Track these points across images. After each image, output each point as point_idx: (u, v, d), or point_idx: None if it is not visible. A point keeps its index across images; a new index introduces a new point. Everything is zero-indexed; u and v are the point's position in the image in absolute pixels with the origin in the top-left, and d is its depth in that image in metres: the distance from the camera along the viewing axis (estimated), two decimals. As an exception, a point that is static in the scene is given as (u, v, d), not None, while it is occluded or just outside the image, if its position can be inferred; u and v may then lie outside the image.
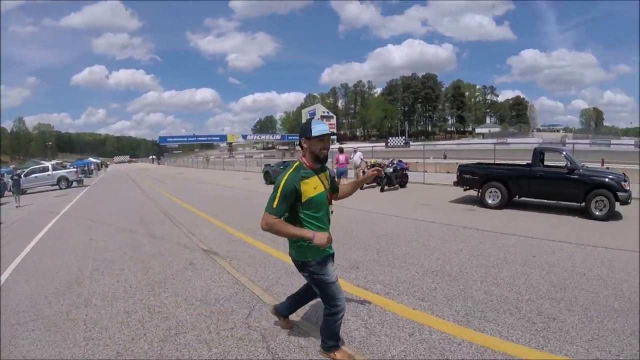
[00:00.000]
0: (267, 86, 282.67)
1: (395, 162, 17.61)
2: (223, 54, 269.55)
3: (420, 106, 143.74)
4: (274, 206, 2.83)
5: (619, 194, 9.50)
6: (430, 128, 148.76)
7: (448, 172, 23.80)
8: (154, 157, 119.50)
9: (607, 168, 15.79)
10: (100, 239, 8.39)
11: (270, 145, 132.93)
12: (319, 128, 2.92)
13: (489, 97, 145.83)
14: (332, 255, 3.20)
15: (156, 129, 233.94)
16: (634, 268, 5.73)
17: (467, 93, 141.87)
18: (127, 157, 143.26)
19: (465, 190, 12.78)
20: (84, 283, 5.53)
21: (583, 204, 9.95)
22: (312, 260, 3.01)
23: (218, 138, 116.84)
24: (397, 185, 17.11)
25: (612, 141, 62.81)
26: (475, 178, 12.13)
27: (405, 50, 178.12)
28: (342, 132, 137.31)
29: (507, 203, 11.33)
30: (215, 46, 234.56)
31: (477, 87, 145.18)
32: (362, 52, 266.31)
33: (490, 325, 3.96)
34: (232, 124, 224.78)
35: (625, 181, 9.79)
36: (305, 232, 2.86)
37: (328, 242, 2.85)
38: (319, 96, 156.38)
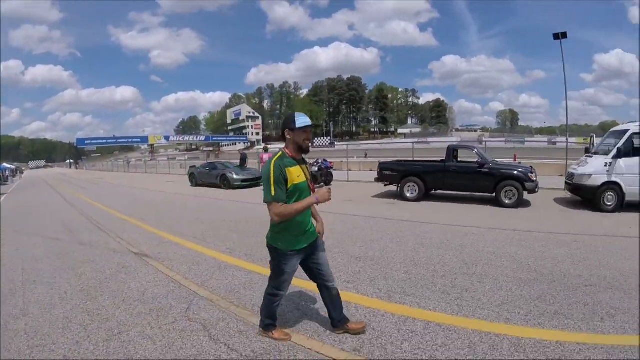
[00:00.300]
0: (191, 85, 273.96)
1: (320, 161, 18.21)
2: (146, 50, 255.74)
3: (345, 107, 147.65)
4: (273, 194, 2.96)
5: (527, 184, 10.88)
6: (354, 129, 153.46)
7: (371, 170, 24.70)
8: (71, 161, 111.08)
9: (519, 162, 17.29)
10: (26, 249, 7.95)
11: (194, 147, 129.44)
12: (303, 120, 3.09)
13: (410, 99, 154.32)
14: (311, 244, 3.39)
15: (73, 131, 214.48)
16: (541, 245, 6.68)
17: (390, 95, 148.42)
18: (43, 162, 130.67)
19: (385, 185, 13.73)
20: (17, 294, 5.28)
21: (494, 194, 11.25)
22: (281, 249, 3.23)
23: (139, 140, 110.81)
24: (322, 184, 17.52)
25: (527, 139, 68.53)
26: (395, 174, 13.08)
27: (331, 53, 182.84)
28: (267, 133, 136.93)
29: (424, 196, 12.45)
30: (138, 42, 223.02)
31: (400, 89, 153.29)
32: (289, 53, 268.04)
33: (410, 298, 4.48)
34: (154, 124, 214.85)
35: (532, 173, 11.14)
36: (309, 200, 3.06)
37: (329, 194, 3.05)
38: (244, 96, 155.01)
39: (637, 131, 10.56)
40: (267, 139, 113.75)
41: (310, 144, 3.21)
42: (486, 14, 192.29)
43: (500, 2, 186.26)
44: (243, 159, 21.13)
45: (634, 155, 10.35)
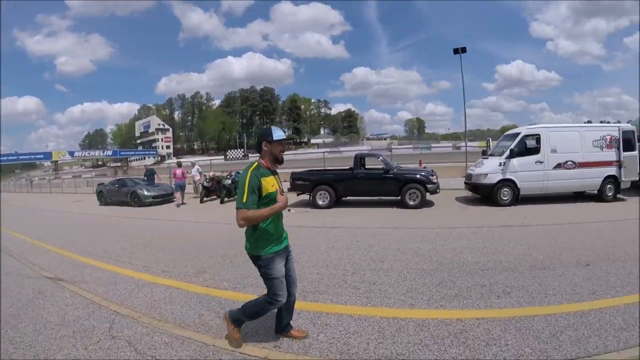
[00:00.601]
0: (98, 95, 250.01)
1: (233, 174, 18.10)
2: (52, 57, 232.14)
3: (258, 118, 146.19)
4: (244, 201, 3.15)
5: (428, 186, 12.07)
6: None
7: (285, 181, 24.95)
8: None
9: (424, 167, 18.41)
10: None
11: (100, 163, 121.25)
12: (279, 133, 3.37)
13: (323, 110, 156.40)
14: (285, 248, 3.57)
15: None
16: (442, 239, 7.44)
17: (303, 106, 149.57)
18: None
19: (298, 195, 14.01)
20: None
21: (399, 197, 12.23)
22: (262, 256, 3.37)
23: (42, 156, 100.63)
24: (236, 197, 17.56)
25: (433, 145, 72.68)
26: (307, 183, 13.50)
27: (245, 63, 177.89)
28: (178, 146, 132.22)
29: (335, 203, 13.04)
30: (44, 47, 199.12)
31: (313, 100, 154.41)
32: (201, 62, 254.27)
33: (323, 296, 4.77)
34: (58, 139, 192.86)
35: (432, 175, 12.38)
36: (275, 207, 3.27)
37: (286, 200, 3.33)
38: (154, 107, 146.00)
39: (528, 133, 12.35)
40: (178, 153, 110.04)
41: (283, 155, 3.45)
42: (396, 28, 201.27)
43: (409, 16, 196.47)
44: (150, 175, 20.48)
45: (526, 154, 12.09)
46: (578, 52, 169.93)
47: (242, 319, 3.64)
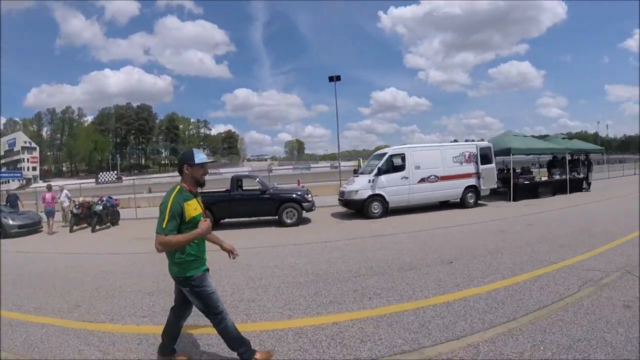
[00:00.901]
0: None
1: (104, 199, 16.92)
2: None
3: (133, 138, 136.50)
4: (164, 227, 3.06)
5: (304, 204, 12.67)
6: (144, 161, 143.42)
7: (160, 206, 24.12)
8: None
9: (303, 186, 18.97)
10: None
11: None
12: (201, 157, 3.35)
13: (202, 130, 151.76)
14: (208, 269, 3.49)
15: None
16: (317, 253, 7.85)
17: (181, 126, 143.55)
18: None
19: None
20: None
21: (277, 216, 12.60)
22: (193, 275, 3.27)
23: None
24: (109, 224, 16.56)
25: (312, 165, 75.32)
26: None
27: (122, 77, 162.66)
28: (45, 167, 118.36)
29: (214, 226, 12.51)
30: None
31: (192, 120, 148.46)
32: (76, 73, 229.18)
33: (203, 318, 4.56)
34: None
35: (308, 194, 13.08)
36: (194, 233, 3.15)
37: (209, 225, 3.22)
38: (21, 122, 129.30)
39: (394, 153, 14.01)
40: (45, 175, 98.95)
41: (205, 178, 3.44)
42: (280, 52, 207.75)
43: (293, 42, 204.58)
44: (12, 201, 18.24)
45: (393, 171, 13.59)
46: (447, 81, 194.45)
47: (241, 350, 3.48)
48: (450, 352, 3.47)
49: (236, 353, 3.48)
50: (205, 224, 3.23)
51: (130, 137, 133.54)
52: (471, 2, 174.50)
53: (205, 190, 15.20)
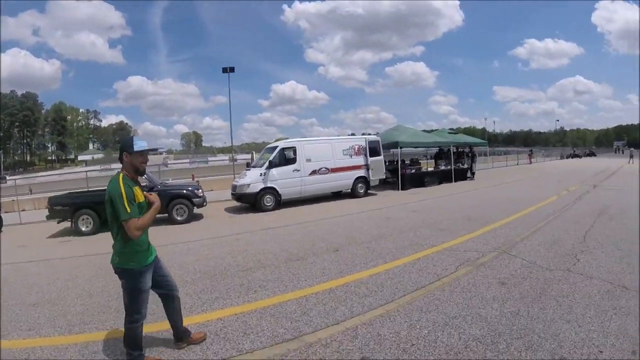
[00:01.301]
0: None
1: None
2: None
3: (17, 131, 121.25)
4: (129, 211, 3.07)
5: (195, 200, 12.30)
6: (29, 157, 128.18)
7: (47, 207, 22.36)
8: None
9: (197, 181, 18.59)
10: None
11: None
12: (140, 144, 3.31)
13: (92, 121, 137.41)
14: (155, 259, 3.55)
15: None
16: (206, 249, 7.84)
17: (69, 117, 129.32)
18: None
19: (59, 222, 12.51)
20: None
21: (167, 214, 11.91)
22: (135, 268, 3.24)
23: None
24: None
25: (210, 158, 73.70)
26: (66, 208, 12.03)
27: (8, 60, 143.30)
28: None
29: (102, 227, 11.82)
30: None
31: (81, 110, 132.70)
32: None
33: (88, 326, 4.52)
34: None
35: (198, 189, 12.67)
36: (155, 207, 3.35)
37: (157, 197, 3.43)
38: None
39: (285, 146, 14.35)
40: None
41: (145, 166, 3.43)
42: (178, 38, 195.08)
43: (193, 29, 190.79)
44: None
45: (285, 164, 13.91)
46: (345, 77, 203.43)
47: (134, 353, 3.38)
48: (329, 337, 3.72)
49: (126, 352, 3.44)
50: (154, 196, 3.42)
51: (14, 131, 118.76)
52: (373, 3, 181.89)
53: (92, 190, 14.44)
